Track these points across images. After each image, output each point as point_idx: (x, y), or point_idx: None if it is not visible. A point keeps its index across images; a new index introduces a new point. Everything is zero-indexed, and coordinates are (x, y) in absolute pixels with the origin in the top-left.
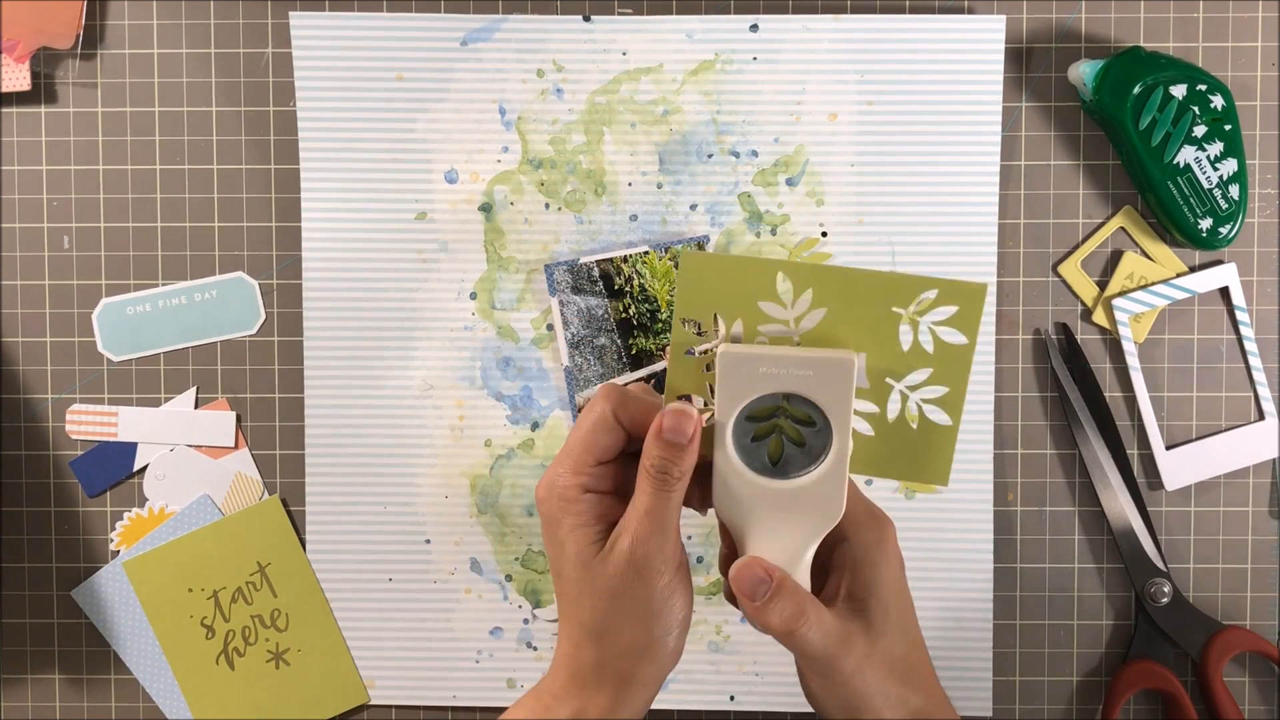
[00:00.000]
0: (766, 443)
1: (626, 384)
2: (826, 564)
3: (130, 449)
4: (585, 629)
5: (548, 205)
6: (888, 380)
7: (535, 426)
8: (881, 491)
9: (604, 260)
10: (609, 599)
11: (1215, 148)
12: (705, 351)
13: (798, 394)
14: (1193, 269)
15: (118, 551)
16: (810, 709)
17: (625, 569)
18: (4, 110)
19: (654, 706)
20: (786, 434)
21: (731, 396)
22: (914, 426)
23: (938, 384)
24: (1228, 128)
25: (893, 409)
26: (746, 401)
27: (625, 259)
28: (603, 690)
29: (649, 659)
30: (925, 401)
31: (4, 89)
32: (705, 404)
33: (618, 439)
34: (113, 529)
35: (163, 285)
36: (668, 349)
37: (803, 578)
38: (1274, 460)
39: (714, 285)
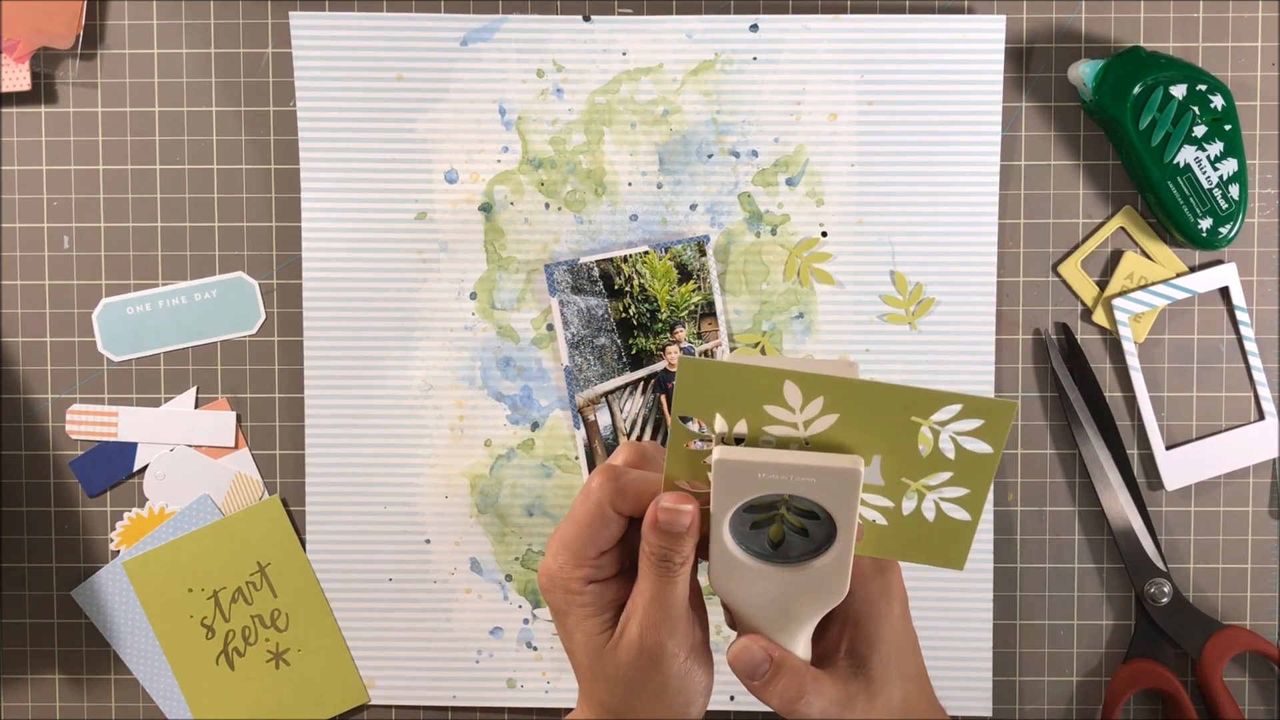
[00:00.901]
0: (766, 530)
1: (633, 435)
2: (828, 614)
3: (130, 449)
4: (606, 708)
5: (548, 205)
6: (904, 480)
7: (535, 426)
8: None
9: (604, 260)
10: (625, 685)
11: (1215, 148)
12: (704, 445)
13: (800, 498)
14: (1193, 269)
15: (118, 551)
16: None
17: (637, 657)
18: (4, 110)
19: None
20: (788, 522)
21: (728, 497)
22: (930, 519)
23: (958, 485)
24: (1228, 128)
25: (908, 505)
26: (743, 501)
27: (625, 259)
28: None
29: None
30: (944, 500)
31: (4, 89)
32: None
33: (617, 528)
34: (113, 529)
35: (163, 285)
36: (667, 432)
37: (803, 650)
38: (1274, 460)
39: (714, 389)
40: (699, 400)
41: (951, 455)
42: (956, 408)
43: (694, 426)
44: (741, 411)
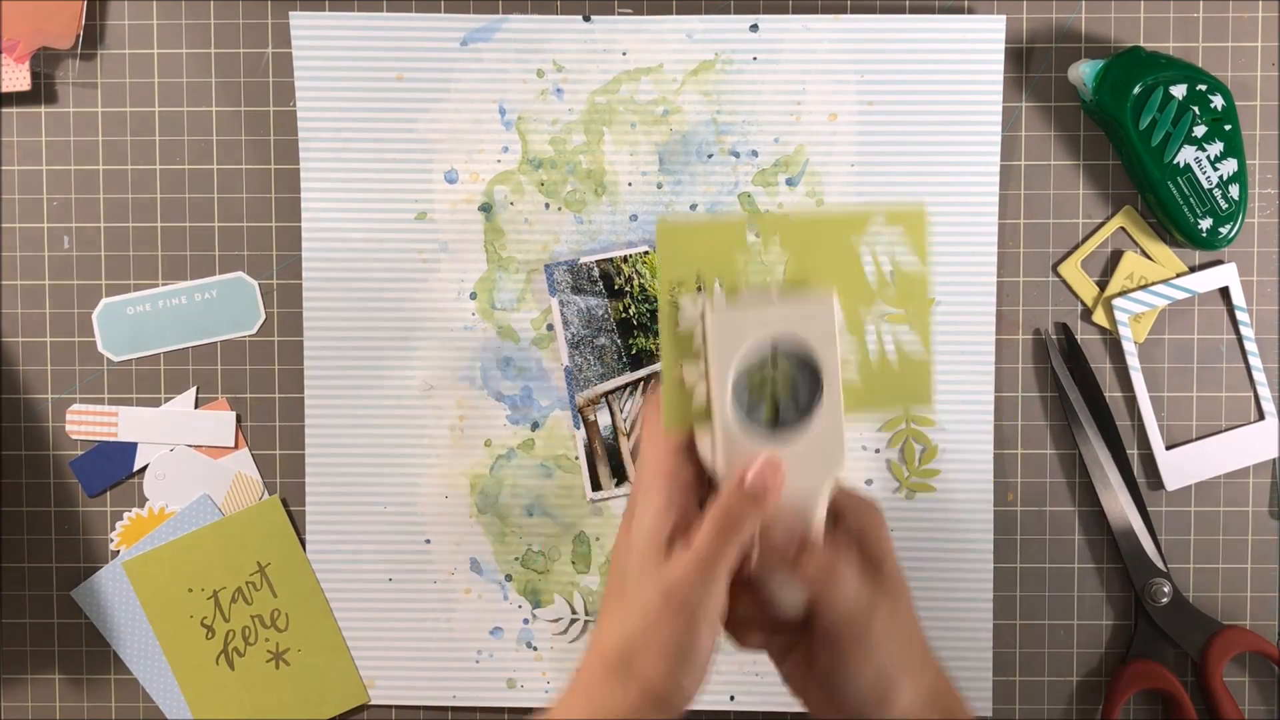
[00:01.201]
0: (762, 404)
1: (638, 382)
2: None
3: (130, 449)
4: (611, 636)
5: (548, 205)
6: (859, 310)
7: (535, 426)
8: (881, 492)
9: (604, 260)
10: (674, 586)
11: (1215, 148)
12: (698, 316)
13: (786, 340)
14: (1193, 269)
15: (118, 551)
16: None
17: (697, 559)
18: (4, 110)
19: None
20: (778, 390)
21: (725, 355)
22: (894, 365)
23: (906, 321)
24: (1228, 128)
25: (871, 346)
26: (739, 355)
27: (625, 259)
28: (594, 692)
29: (659, 671)
30: (899, 338)
31: (4, 89)
32: (700, 365)
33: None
34: (113, 529)
35: (163, 285)
36: (660, 325)
37: (818, 532)
38: (1274, 460)
39: (691, 247)
40: (680, 261)
41: (891, 276)
42: (881, 218)
43: (678, 294)
44: (717, 266)
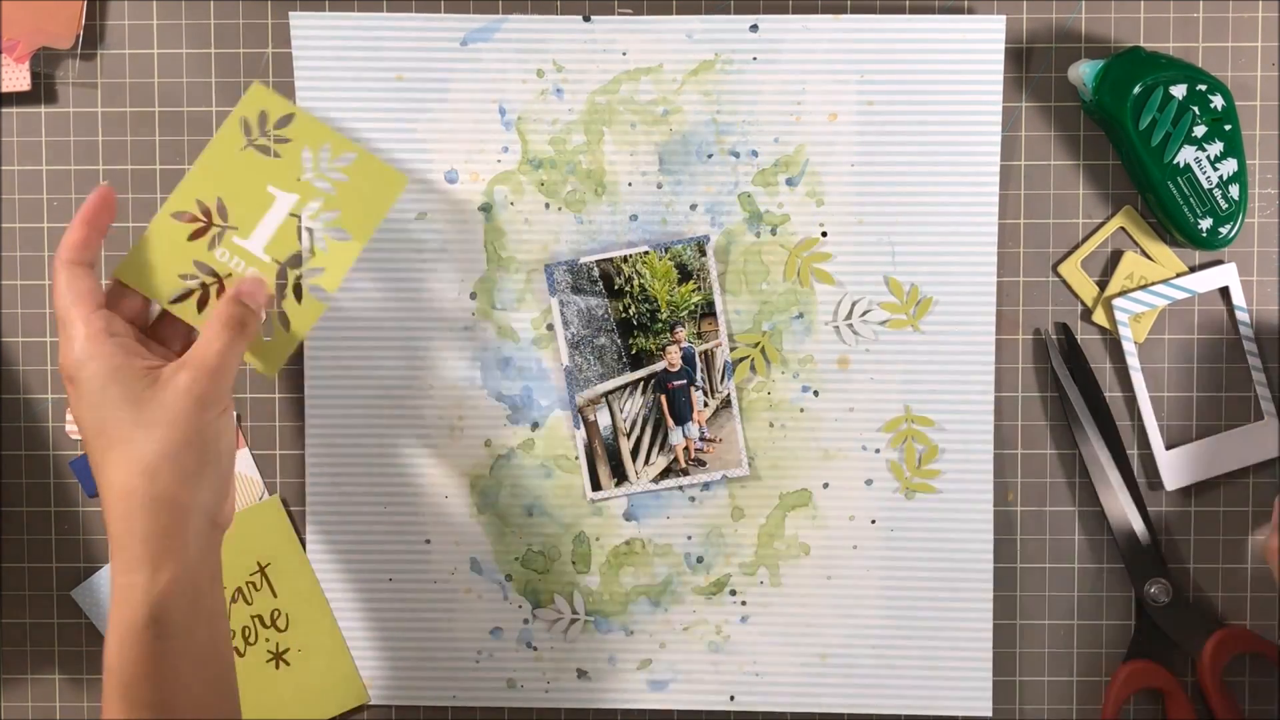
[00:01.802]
0: None
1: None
2: None
3: None
4: (141, 464)
5: (548, 205)
6: (294, 215)
7: (535, 426)
8: (881, 492)
9: (604, 260)
10: (166, 427)
11: (1215, 148)
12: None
13: None
14: (1193, 269)
15: None
16: (811, 709)
17: (186, 398)
18: (4, 110)
19: (653, 707)
20: None
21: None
22: (351, 180)
23: (331, 210)
24: (1228, 128)
25: (328, 187)
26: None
27: (625, 259)
28: (157, 534)
29: (202, 483)
30: (322, 170)
31: (4, 89)
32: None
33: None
34: None
35: None
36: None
37: None
38: (1274, 460)
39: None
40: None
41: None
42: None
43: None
44: (162, 272)
